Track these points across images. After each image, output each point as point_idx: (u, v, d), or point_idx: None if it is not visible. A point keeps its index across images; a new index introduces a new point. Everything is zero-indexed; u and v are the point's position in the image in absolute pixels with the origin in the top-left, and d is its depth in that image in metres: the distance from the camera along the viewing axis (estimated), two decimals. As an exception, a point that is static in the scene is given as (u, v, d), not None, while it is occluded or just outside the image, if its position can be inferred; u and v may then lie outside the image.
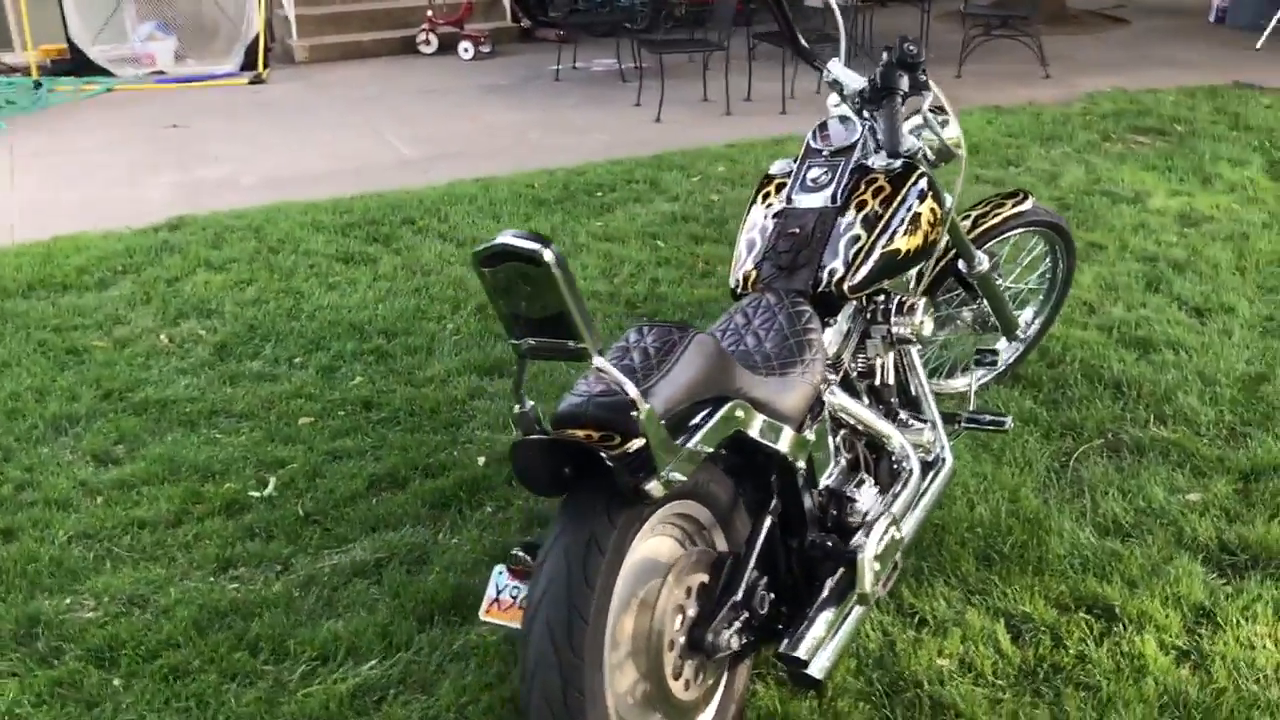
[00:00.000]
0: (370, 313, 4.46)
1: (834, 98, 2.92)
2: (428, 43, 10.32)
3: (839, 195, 2.64)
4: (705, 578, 2.17)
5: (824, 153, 2.74)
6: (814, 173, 2.71)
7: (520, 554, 2.15)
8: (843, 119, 2.78)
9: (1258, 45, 9.59)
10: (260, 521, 3.13)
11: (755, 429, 2.14)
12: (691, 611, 2.13)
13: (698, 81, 8.19)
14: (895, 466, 2.63)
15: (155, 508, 3.19)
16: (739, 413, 2.09)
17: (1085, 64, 9.06)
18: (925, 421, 2.80)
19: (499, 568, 2.16)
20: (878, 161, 2.72)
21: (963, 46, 9.01)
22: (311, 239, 5.28)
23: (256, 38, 9.71)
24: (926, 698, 2.43)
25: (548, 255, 1.69)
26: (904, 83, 2.66)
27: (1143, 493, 3.13)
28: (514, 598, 2.13)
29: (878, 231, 2.59)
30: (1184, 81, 8.12)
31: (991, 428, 2.97)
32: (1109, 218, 5.31)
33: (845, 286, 2.54)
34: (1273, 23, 9.67)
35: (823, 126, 2.79)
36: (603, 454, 1.86)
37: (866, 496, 2.49)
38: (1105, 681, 2.44)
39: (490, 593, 2.16)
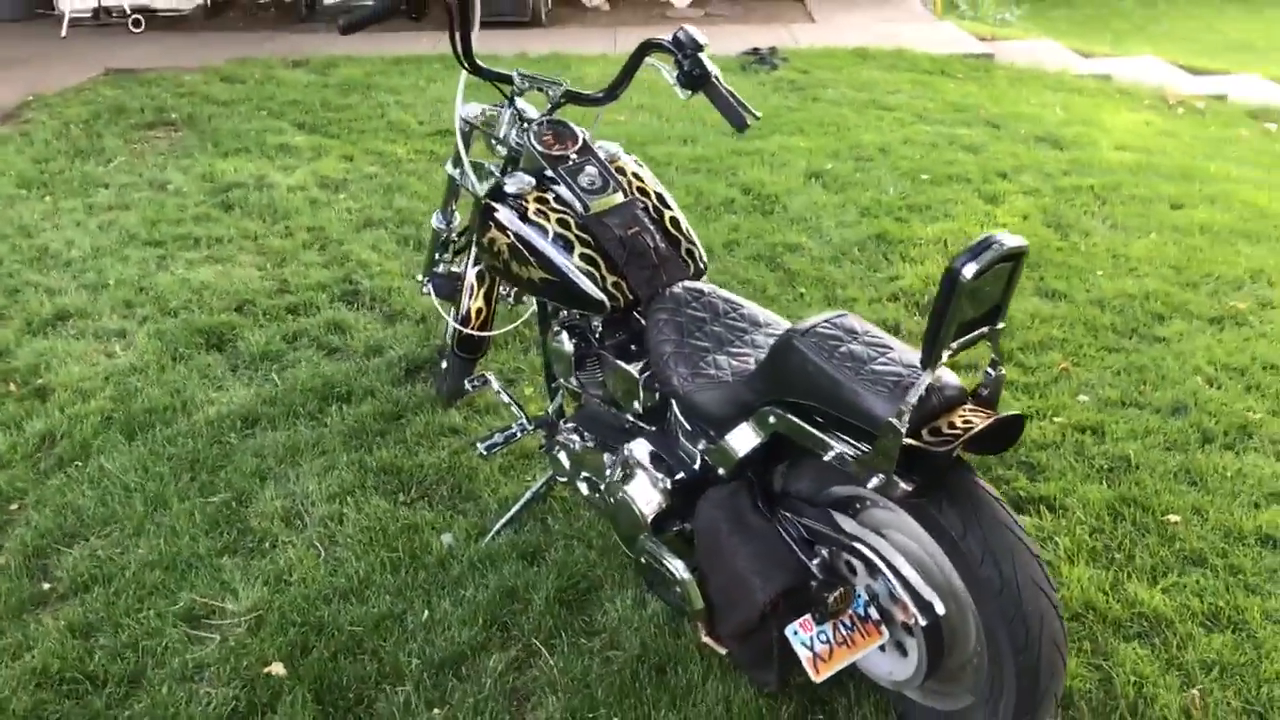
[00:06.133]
0: None
1: (460, 101, 2.90)
2: None
3: (625, 189, 2.68)
4: None
5: (570, 157, 2.69)
6: (584, 177, 2.66)
7: (838, 593, 2.13)
8: (557, 122, 2.77)
9: (63, 34, 9.66)
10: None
11: None
12: None
13: None
14: None
15: None
16: None
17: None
18: None
19: (791, 627, 2.14)
20: (602, 151, 2.76)
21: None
22: None
23: None
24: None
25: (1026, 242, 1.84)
26: (709, 65, 2.65)
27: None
28: (827, 641, 2.14)
29: (672, 207, 2.73)
30: (69, 81, 8.00)
31: None
32: (301, 208, 5.44)
33: (704, 262, 2.68)
34: (68, 12, 9.83)
35: (539, 132, 2.74)
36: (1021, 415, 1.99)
37: None
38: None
39: (804, 654, 2.14)
